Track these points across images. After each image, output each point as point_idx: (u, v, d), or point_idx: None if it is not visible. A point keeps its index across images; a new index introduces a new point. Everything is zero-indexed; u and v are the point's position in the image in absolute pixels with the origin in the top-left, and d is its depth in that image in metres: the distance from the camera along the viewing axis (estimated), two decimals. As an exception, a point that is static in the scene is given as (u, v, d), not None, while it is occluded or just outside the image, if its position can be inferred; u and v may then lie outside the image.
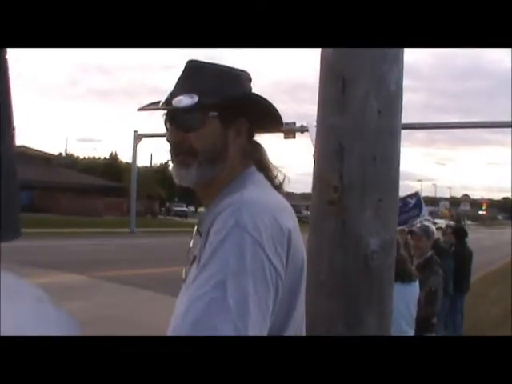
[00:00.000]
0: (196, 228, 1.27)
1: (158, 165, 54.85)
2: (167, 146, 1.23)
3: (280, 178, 1.28)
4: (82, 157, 59.54)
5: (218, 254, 0.97)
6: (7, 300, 0.54)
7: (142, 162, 65.21)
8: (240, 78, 1.26)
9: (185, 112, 1.18)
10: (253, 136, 1.29)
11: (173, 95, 1.19)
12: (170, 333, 0.95)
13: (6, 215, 0.58)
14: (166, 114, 1.23)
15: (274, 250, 1.01)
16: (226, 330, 0.90)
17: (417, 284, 3.61)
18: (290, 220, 1.10)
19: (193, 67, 1.24)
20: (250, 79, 1.29)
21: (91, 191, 38.95)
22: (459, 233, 7.54)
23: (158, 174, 48.86)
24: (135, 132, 25.36)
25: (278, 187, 1.26)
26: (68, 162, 49.84)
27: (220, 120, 1.19)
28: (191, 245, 1.27)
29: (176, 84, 1.23)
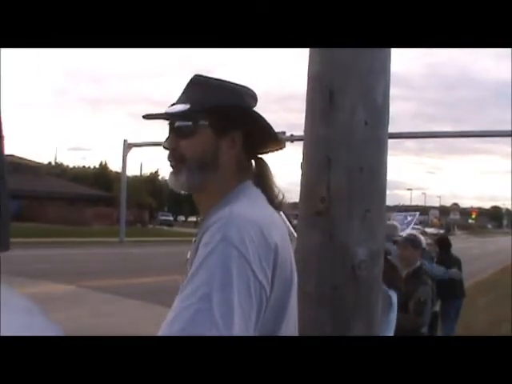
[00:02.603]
0: (194, 240, 1.28)
1: (148, 174, 54.69)
2: (164, 154, 1.27)
3: (280, 197, 1.30)
4: (71, 166, 58.99)
5: (205, 267, 1.00)
6: None
7: (132, 171, 65.14)
8: (239, 93, 1.27)
9: (179, 119, 1.23)
10: (252, 151, 1.31)
11: (173, 105, 1.26)
12: None
13: None
14: (168, 123, 1.27)
15: (259, 265, 1.03)
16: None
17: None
18: (279, 234, 1.13)
19: (194, 81, 1.28)
20: (253, 96, 1.31)
21: (80, 200, 38.71)
22: (443, 243, 7.53)
23: (148, 183, 48.76)
24: (125, 141, 25.21)
25: (278, 206, 1.28)
26: (57, 171, 49.51)
27: (212, 130, 1.23)
28: (188, 256, 1.27)
29: (179, 96, 1.28)
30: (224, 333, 0.93)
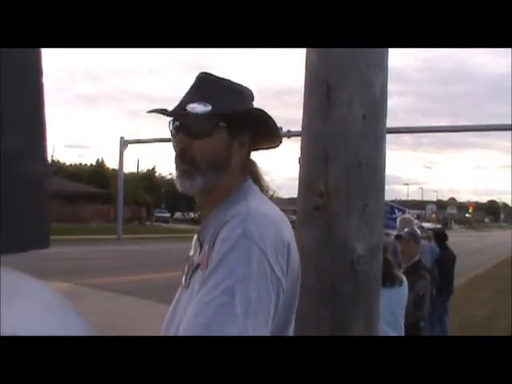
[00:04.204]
0: (196, 236, 1.31)
1: (145, 171, 54.71)
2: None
3: (270, 191, 1.34)
4: (68, 163, 58.97)
5: (226, 262, 1.04)
6: (33, 306, 0.54)
7: (129, 168, 65.16)
8: (245, 94, 1.32)
9: (196, 119, 1.22)
10: (252, 149, 1.34)
11: (183, 103, 1.24)
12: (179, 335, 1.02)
13: (37, 225, 0.59)
14: (174, 121, 1.26)
15: (276, 260, 1.07)
16: (232, 332, 0.96)
17: (402, 288, 3.61)
18: (288, 232, 1.17)
19: (205, 79, 1.29)
20: (252, 97, 1.35)
21: (77, 198, 38.67)
22: (440, 237, 7.51)
23: (145, 180, 48.76)
24: (122, 138, 25.21)
25: (269, 199, 1.31)
26: (54, 169, 49.45)
27: (227, 131, 1.25)
28: (191, 253, 1.31)
29: (187, 93, 1.28)
30: (243, 326, 0.97)
